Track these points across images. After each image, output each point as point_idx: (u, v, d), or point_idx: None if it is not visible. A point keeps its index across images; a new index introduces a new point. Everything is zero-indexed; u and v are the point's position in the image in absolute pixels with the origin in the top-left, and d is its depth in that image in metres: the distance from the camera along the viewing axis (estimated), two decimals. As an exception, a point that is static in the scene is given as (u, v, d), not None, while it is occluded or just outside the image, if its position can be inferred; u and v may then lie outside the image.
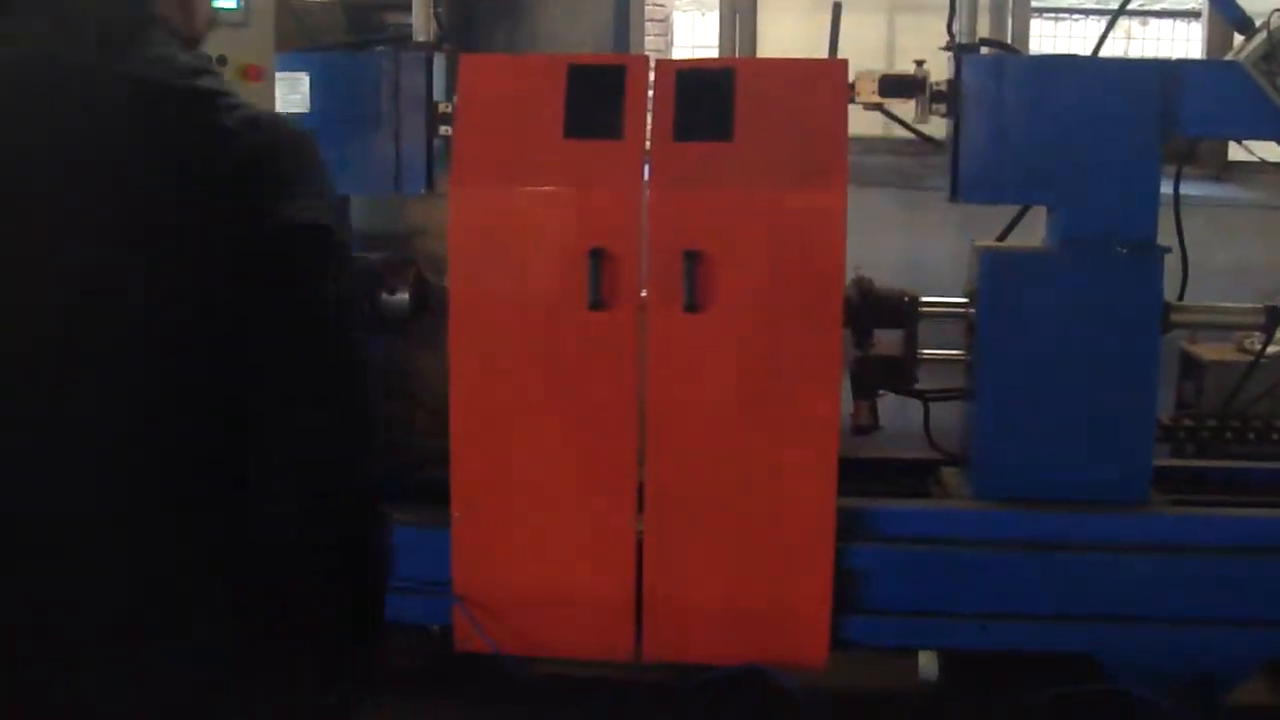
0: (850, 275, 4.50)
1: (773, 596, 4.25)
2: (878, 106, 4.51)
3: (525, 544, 4.28)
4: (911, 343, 4.57)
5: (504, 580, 4.29)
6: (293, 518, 1.60)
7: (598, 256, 4.08)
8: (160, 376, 1.58)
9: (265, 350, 1.60)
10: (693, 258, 4.07)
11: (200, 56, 1.73)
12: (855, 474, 4.86)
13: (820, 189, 4.12)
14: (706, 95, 4.16)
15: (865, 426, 4.61)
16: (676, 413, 4.17)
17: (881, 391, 4.61)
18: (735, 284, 4.11)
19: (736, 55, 4.57)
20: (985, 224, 4.80)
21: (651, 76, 4.25)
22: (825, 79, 4.24)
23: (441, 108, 4.48)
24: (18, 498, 1.57)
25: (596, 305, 4.03)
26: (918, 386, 4.67)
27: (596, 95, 4.14)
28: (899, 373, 4.60)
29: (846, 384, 4.49)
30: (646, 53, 6.68)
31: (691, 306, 4.01)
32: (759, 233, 4.11)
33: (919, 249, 5.67)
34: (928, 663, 4.57)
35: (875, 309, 4.59)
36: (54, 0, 1.62)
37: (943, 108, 4.37)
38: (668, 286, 4.08)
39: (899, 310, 4.57)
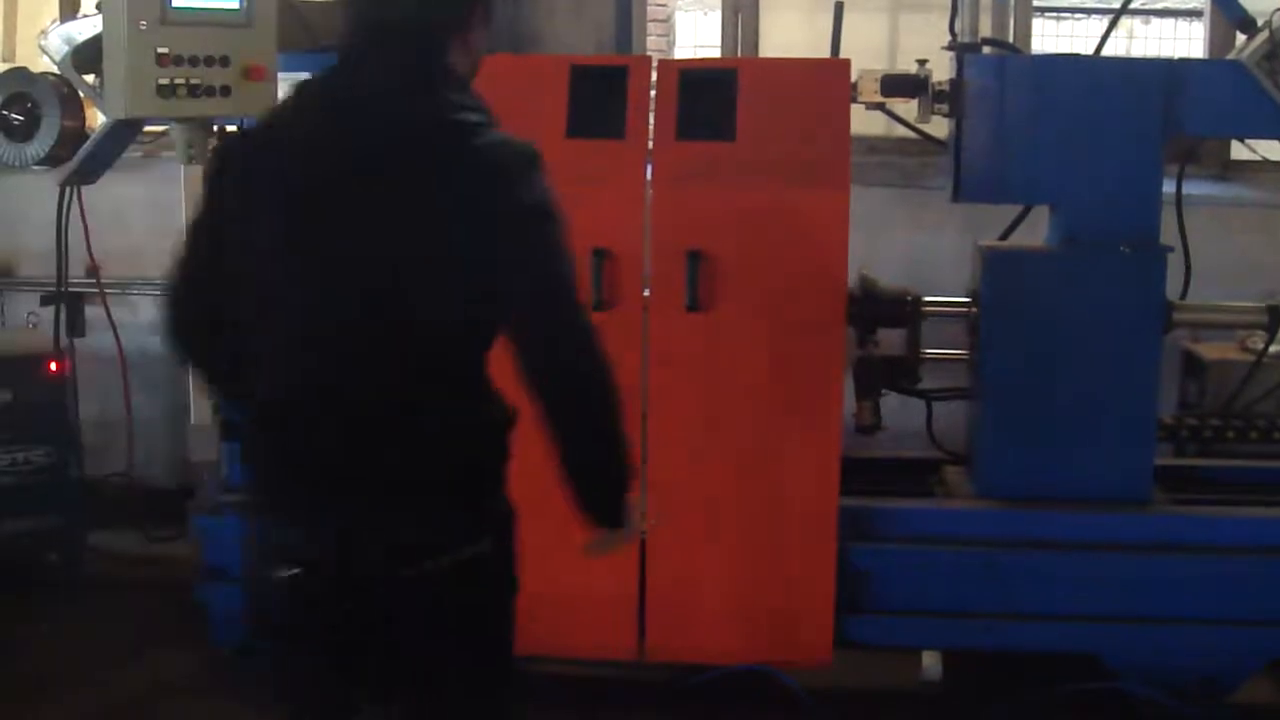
0: (854, 275, 4.51)
1: (776, 596, 4.25)
2: (880, 106, 4.51)
3: (527, 543, 4.26)
4: (914, 342, 4.57)
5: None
6: (557, 364, 2.47)
7: (600, 256, 4.08)
8: (447, 301, 2.41)
9: (517, 279, 2.41)
10: (695, 257, 4.07)
11: (470, 96, 2.49)
12: (858, 473, 4.87)
13: (823, 188, 4.12)
14: (709, 95, 4.17)
15: (868, 426, 4.61)
16: (679, 412, 4.17)
17: (884, 391, 4.60)
18: (737, 284, 4.11)
19: (739, 55, 4.57)
20: (988, 223, 4.80)
21: (654, 76, 4.25)
22: (828, 79, 4.24)
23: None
24: (368, 378, 2.43)
25: (599, 305, 4.03)
26: (920, 386, 4.66)
27: (599, 95, 4.15)
28: (902, 372, 4.60)
29: (849, 383, 4.50)
30: (649, 53, 6.68)
31: (694, 306, 4.01)
32: (762, 232, 4.11)
33: (921, 249, 5.67)
34: (931, 662, 4.56)
35: (878, 308, 4.58)
36: (384, 61, 2.44)
37: (945, 107, 4.37)
38: (670, 286, 4.08)
39: (902, 310, 4.57)
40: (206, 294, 2.62)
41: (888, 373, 4.59)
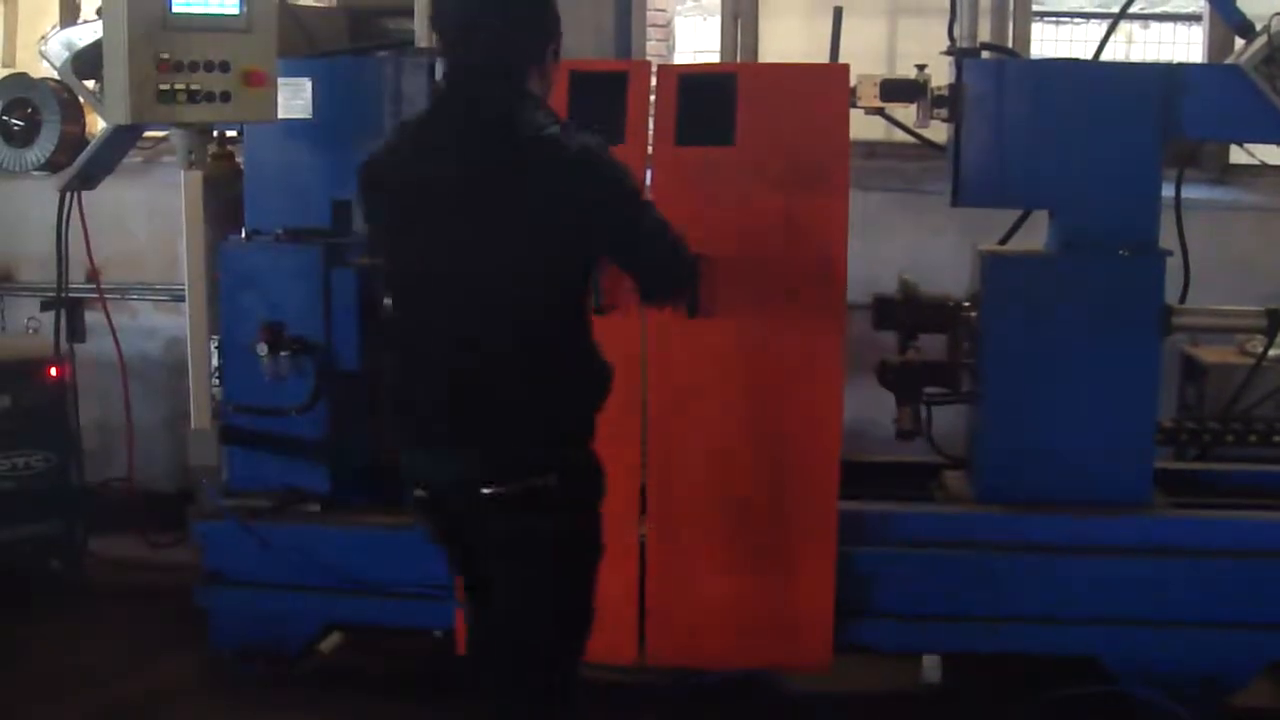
0: (894, 280, 4.55)
1: (776, 600, 4.25)
2: (879, 111, 4.52)
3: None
4: (955, 347, 4.56)
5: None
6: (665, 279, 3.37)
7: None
8: (548, 263, 3.08)
9: (611, 246, 3.20)
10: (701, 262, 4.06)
11: (550, 113, 3.13)
12: (858, 477, 4.87)
13: (822, 194, 4.13)
14: (709, 100, 4.17)
15: (909, 431, 4.59)
16: (679, 416, 4.17)
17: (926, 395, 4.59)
18: (738, 288, 4.11)
19: (738, 60, 4.56)
20: (987, 228, 4.81)
21: (654, 82, 4.25)
22: (827, 84, 4.25)
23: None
24: (479, 347, 3.11)
25: (599, 309, 4.03)
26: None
27: (598, 101, 4.15)
28: (942, 377, 4.59)
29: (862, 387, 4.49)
30: (648, 58, 6.68)
31: (694, 311, 4.02)
32: (761, 237, 4.11)
33: (921, 253, 5.67)
34: (931, 666, 4.57)
35: (919, 313, 4.58)
36: (481, 92, 3.11)
37: (944, 112, 4.38)
38: None
39: (943, 314, 4.56)
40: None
41: (929, 378, 4.58)
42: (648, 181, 4.17)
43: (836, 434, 4.21)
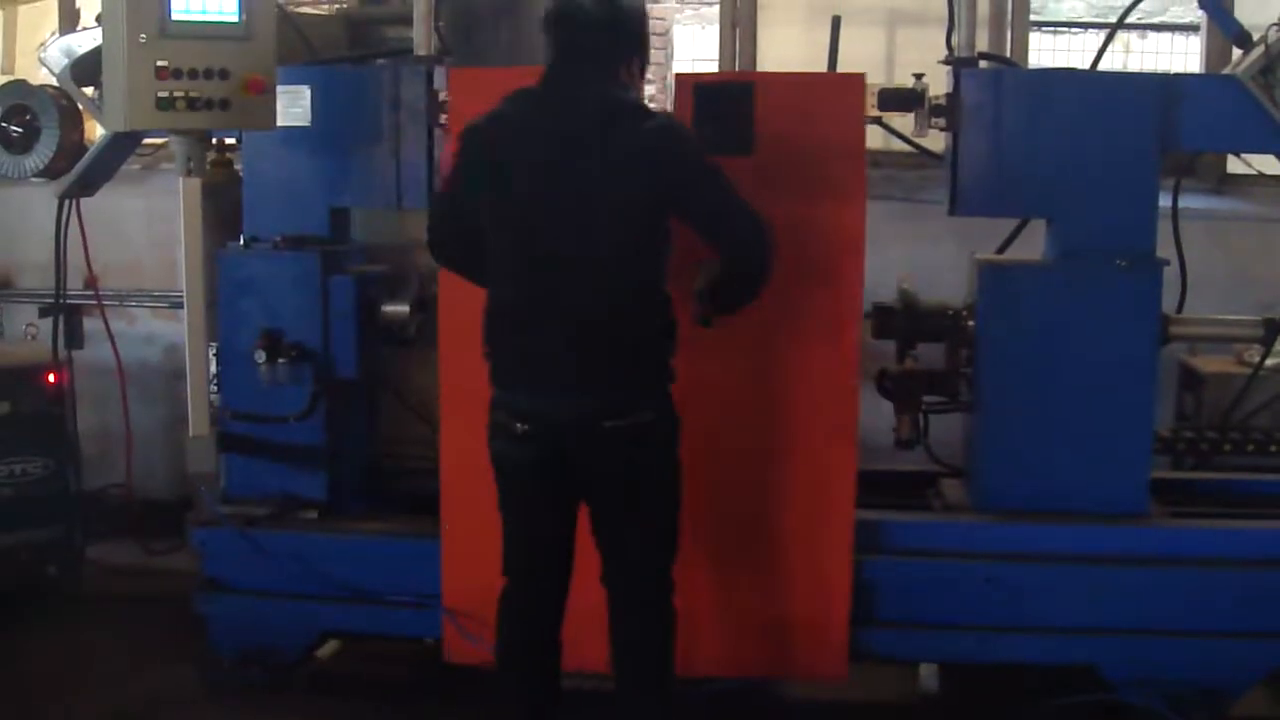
0: (893, 289, 4.55)
1: (790, 608, 4.26)
2: (877, 120, 4.52)
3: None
4: (954, 356, 4.57)
5: (495, 592, 4.27)
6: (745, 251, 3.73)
7: None
8: (638, 222, 3.62)
9: (692, 205, 3.66)
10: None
11: (634, 96, 3.77)
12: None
13: (840, 203, 4.13)
14: (726, 109, 4.17)
15: (907, 440, 4.60)
16: (695, 426, 4.15)
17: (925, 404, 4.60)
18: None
19: (737, 68, 4.56)
20: (985, 237, 4.81)
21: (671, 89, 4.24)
22: (844, 94, 4.24)
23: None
24: (585, 292, 3.61)
25: (706, 321, 4.02)
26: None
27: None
28: (941, 386, 4.60)
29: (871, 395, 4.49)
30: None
31: (707, 321, 4.01)
32: (778, 246, 4.09)
33: (918, 262, 5.67)
34: (929, 675, 4.57)
35: (919, 322, 4.59)
36: (583, 75, 3.66)
37: (942, 121, 4.38)
38: (684, 300, 4.07)
39: (941, 323, 4.57)
40: (463, 230, 3.80)
41: (928, 387, 4.59)
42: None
43: (853, 441, 4.21)
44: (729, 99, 4.20)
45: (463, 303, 4.07)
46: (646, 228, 3.65)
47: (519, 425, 3.66)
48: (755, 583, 4.30)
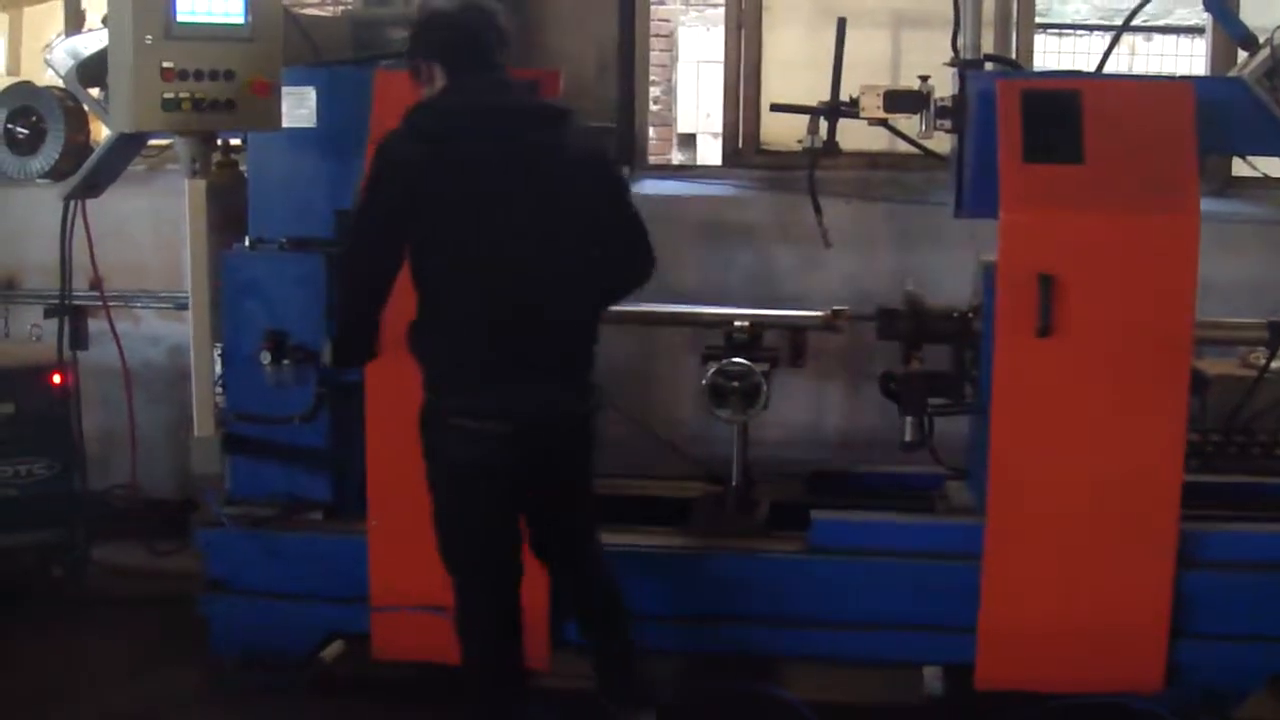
0: (899, 291, 4.56)
1: (1108, 619, 4.21)
2: (882, 122, 4.52)
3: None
4: (960, 358, 4.56)
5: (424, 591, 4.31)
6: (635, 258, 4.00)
7: None
8: (589, 227, 3.85)
9: (616, 210, 3.93)
10: (1047, 281, 4.04)
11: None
12: (860, 488, 4.90)
13: (1171, 212, 4.06)
14: (1054, 116, 4.12)
15: (913, 443, 4.59)
16: (1022, 436, 4.15)
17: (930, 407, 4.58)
18: (1086, 307, 4.06)
19: (742, 69, 4.56)
20: (990, 238, 4.80)
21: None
22: (1172, 100, 4.18)
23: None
24: (557, 299, 3.81)
25: None
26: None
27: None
28: (946, 389, 4.60)
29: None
30: (651, 66, 6.69)
31: (1045, 331, 4.01)
32: (1110, 257, 4.07)
33: (924, 264, 5.68)
34: (933, 676, 4.56)
35: (925, 324, 4.59)
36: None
37: (947, 123, 4.38)
38: (1018, 310, 4.07)
39: (947, 325, 4.56)
40: (392, 256, 3.78)
41: (933, 389, 4.58)
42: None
43: (1179, 454, 4.18)
44: (1057, 106, 4.14)
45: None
46: (595, 227, 3.87)
47: (494, 425, 3.75)
48: (1081, 591, 4.23)
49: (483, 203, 3.72)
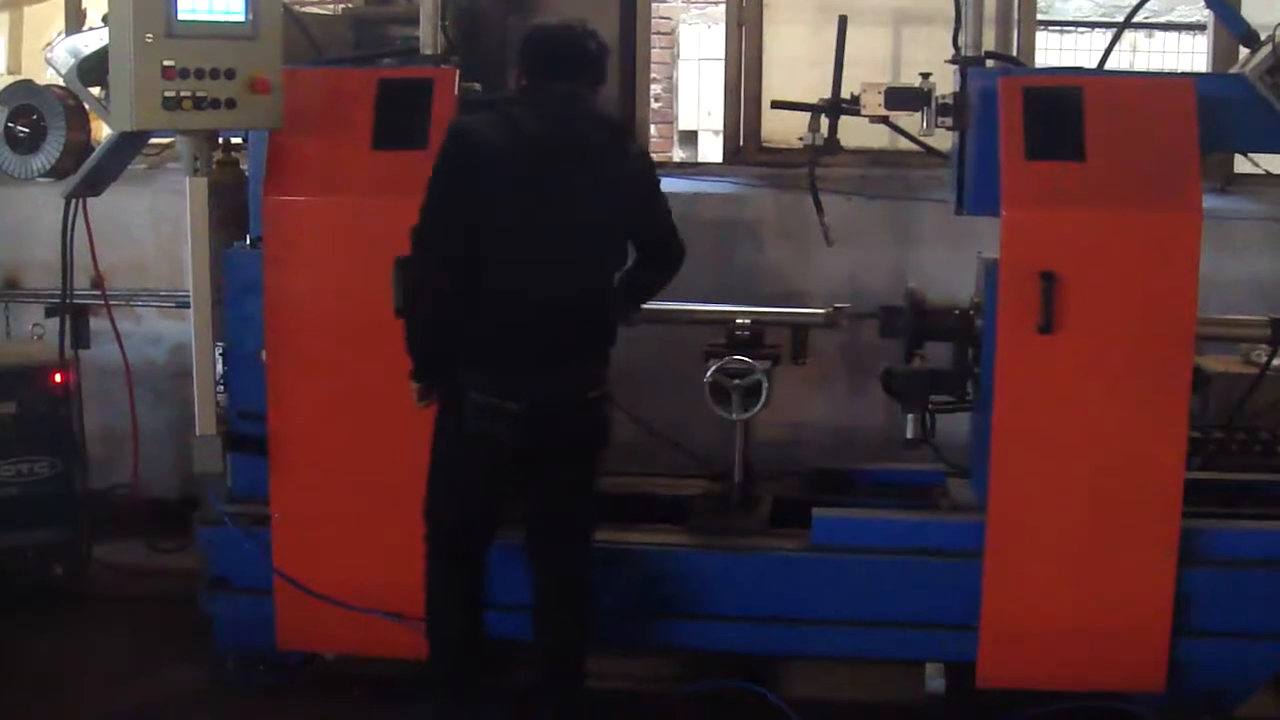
0: (901, 288, 4.53)
1: (1110, 617, 4.21)
2: (884, 119, 4.52)
3: (341, 542, 4.45)
4: (962, 356, 4.56)
5: (329, 577, 4.41)
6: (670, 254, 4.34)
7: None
8: (617, 222, 4.10)
9: (653, 212, 4.22)
10: (1048, 278, 4.05)
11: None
12: (858, 486, 4.89)
13: (1174, 209, 4.07)
14: (1055, 113, 4.12)
15: (915, 440, 4.58)
16: (1024, 433, 4.15)
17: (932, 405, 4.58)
18: (1087, 305, 4.07)
19: (743, 67, 4.56)
20: (992, 236, 4.80)
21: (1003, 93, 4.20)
22: (1171, 96, 4.19)
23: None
24: (576, 285, 4.01)
25: None
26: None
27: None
28: (948, 386, 4.60)
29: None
30: (653, 64, 6.68)
31: (1047, 328, 4.00)
32: (1112, 253, 4.07)
33: (925, 261, 5.68)
34: (934, 674, 4.56)
35: (927, 321, 4.59)
36: (569, 91, 4.06)
37: (949, 120, 4.37)
38: (1020, 307, 4.07)
39: (949, 323, 4.57)
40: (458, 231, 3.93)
41: (934, 387, 4.58)
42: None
43: (1181, 451, 4.17)
44: (1059, 103, 4.15)
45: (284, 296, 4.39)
46: (634, 227, 4.15)
47: (510, 405, 3.94)
48: (1080, 590, 4.23)
49: (539, 191, 3.93)
